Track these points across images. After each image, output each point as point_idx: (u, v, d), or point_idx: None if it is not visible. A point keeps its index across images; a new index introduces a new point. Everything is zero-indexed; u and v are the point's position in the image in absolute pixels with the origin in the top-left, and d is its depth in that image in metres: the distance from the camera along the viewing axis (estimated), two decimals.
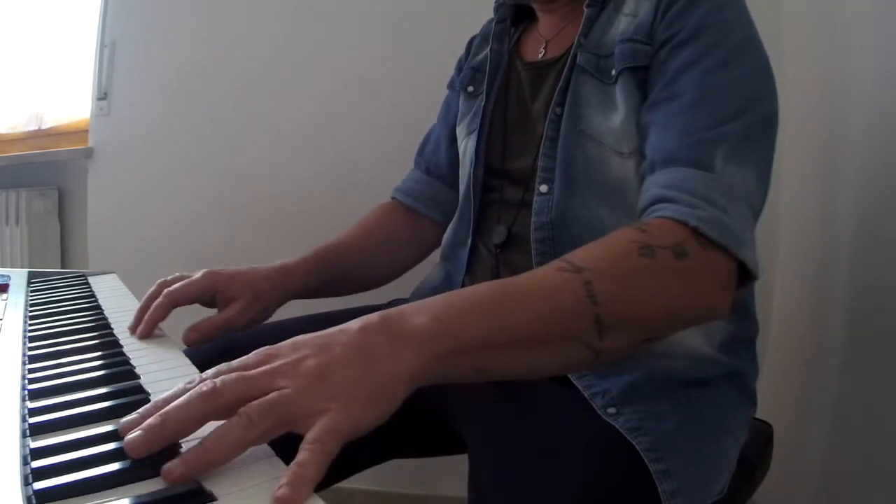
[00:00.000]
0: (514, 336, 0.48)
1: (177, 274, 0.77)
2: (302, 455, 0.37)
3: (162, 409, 0.40)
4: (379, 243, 0.95)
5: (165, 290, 0.71)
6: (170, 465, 0.37)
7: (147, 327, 0.68)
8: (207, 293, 0.75)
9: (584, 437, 0.61)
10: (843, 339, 1.00)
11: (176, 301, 0.71)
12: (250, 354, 0.43)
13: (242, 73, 1.57)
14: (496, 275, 0.81)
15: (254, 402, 0.39)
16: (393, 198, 1.01)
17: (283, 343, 0.43)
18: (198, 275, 0.75)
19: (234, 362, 0.43)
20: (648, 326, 0.54)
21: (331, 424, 0.38)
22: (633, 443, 0.59)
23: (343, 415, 0.39)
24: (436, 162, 0.99)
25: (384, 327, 0.44)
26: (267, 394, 0.40)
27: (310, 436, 0.38)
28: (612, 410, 0.63)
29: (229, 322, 0.74)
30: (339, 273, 0.89)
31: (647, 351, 0.65)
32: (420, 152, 1.03)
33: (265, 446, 0.42)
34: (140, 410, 0.41)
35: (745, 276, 0.58)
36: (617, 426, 0.61)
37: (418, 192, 0.99)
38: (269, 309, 0.79)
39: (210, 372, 0.42)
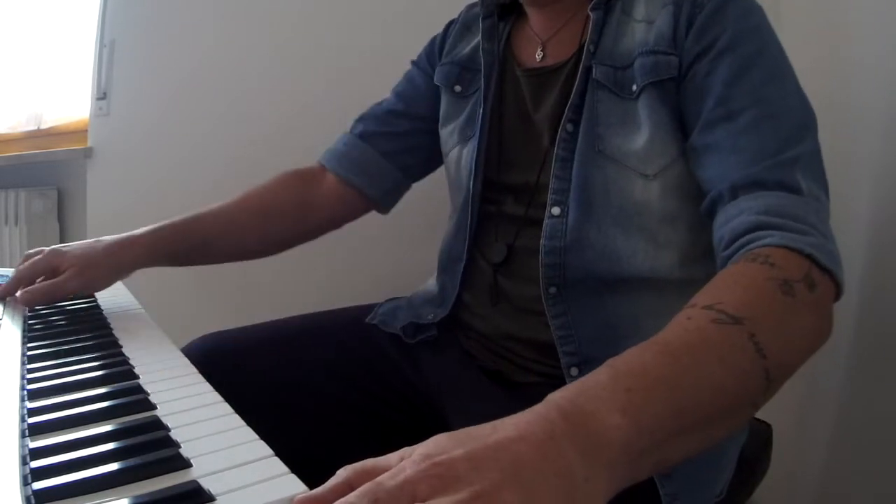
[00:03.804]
0: (698, 414, 0.41)
1: (43, 248, 0.81)
2: None
3: None
4: (254, 212, 0.91)
5: (17, 269, 0.78)
6: None
7: None
8: (46, 268, 0.78)
9: None
10: (844, 339, 1.00)
11: (20, 279, 0.77)
12: (411, 464, 0.33)
13: (242, 72, 1.56)
14: (494, 293, 0.78)
15: None
16: (320, 163, 0.96)
17: (456, 455, 0.33)
18: (43, 254, 0.79)
19: (395, 478, 0.33)
20: (796, 370, 0.49)
21: None
22: None
23: None
24: (376, 131, 0.93)
25: (575, 436, 0.35)
26: None
27: None
28: None
29: (55, 286, 0.76)
30: (194, 245, 0.87)
31: None
32: (360, 118, 0.97)
33: (263, 445, 0.42)
34: None
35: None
36: None
37: (342, 156, 0.93)
38: (102, 277, 0.80)
39: (367, 489, 0.33)
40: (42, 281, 0.77)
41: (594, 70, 0.70)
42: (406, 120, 0.93)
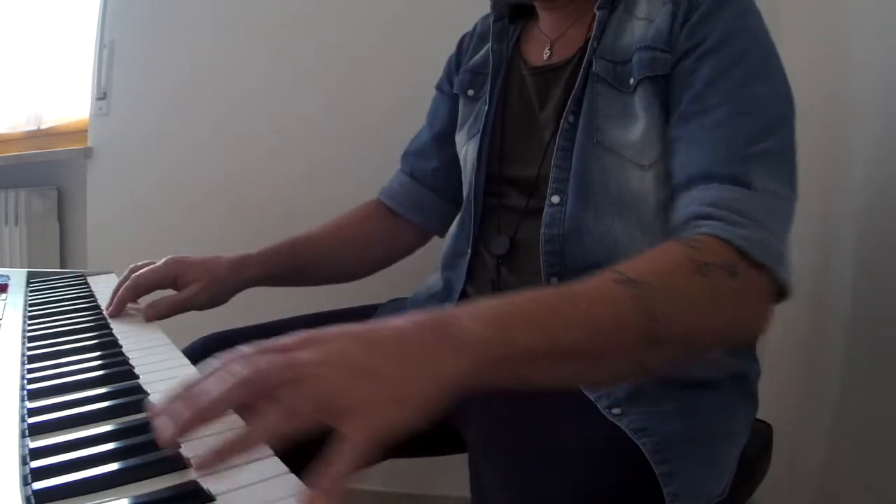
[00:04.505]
0: (567, 347, 0.46)
1: (146, 260, 0.84)
2: (342, 454, 0.36)
3: (195, 390, 0.39)
4: (349, 240, 0.97)
5: (132, 275, 0.80)
6: (203, 460, 0.37)
7: (117, 307, 0.76)
8: (169, 278, 0.82)
9: (588, 437, 0.61)
10: (844, 339, 1.00)
11: (139, 285, 0.79)
12: (292, 336, 0.41)
13: (242, 72, 1.57)
14: (497, 285, 0.79)
15: (297, 393, 0.37)
16: (378, 197, 1.02)
17: (329, 329, 0.41)
18: (161, 261, 0.82)
19: (275, 343, 0.40)
20: (696, 342, 0.53)
21: (372, 426, 0.37)
22: (639, 444, 0.59)
23: (385, 417, 0.37)
24: (421, 168, 0.99)
25: (436, 328, 0.42)
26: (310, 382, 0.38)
27: (351, 434, 0.36)
28: (616, 411, 0.63)
29: (184, 302, 0.81)
30: (300, 266, 0.92)
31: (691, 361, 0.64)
32: (406, 153, 1.02)
33: (263, 445, 0.42)
34: (172, 394, 0.40)
35: (780, 293, 0.57)
36: (622, 426, 0.61)
37: (400, 195, 0.99)
38: (225, 294, 0.85)
39: (248, 349, 0.40)
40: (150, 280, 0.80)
41: (595, 64, 0.72)
42: (440, 147, 0.97)
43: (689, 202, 0.61)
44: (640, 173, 0.69)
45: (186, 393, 0.39)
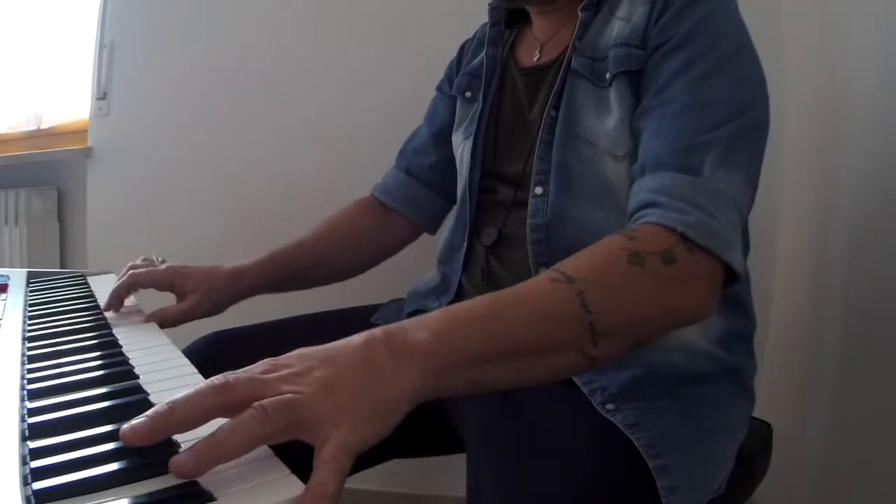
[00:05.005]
0: (510, 347, 0.48)
1: (145, 258, 0.87)
2: (321, 474, 0.37)
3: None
4: (344, 240, 0.98)
5: (130, 272, 0.82)
6: (179, 458, 0.37)
7: (112, 302, 0.78)
8: (166, 283, 0.84)
9: (583, 433, 0.62)
10: (842, 338, 1.00)
11: (135, 282, 0.81)
12: (257, 364, 0.43)
13: (242, 73, 1.57)
14: (487, 274, 0.82)
15: (268, 399, 0.39)
16: (371, 194, 1.03)
17: (290, 354, 0.44)
18: (162, 267, 0.85)
19: (241, 371, 0.42)
20: (640, 331, 0.55)
21: (343, 441, 0.38)
22: (632, 439, 0.60)
23: (353, 430, 0.39)
24: (418, 164, 1.00)
25: (387, 342, 0.44)
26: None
27: (325, 454, 0.38)
28: (610, 407, 0.63)
29: (187, 312, 0.83)
30: (297, 271, 0.93)
31: (644, 345, 0.65)
32: (402, 150, 1.04)
33: (264, 445, 0.42)
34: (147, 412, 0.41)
35: (731, 277, 0.59)
36: (615, 422, 0.61)
37: (395, 190, 1.01)
38: (223, 303, 0.87)
39: (218, 377, 0.42)
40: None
41: (574, 61, 0.75)
42: (438, 144, 0.99)
43: (639, 190, 0.62)
44: (615, 163, 0.70)
45: (161, 407, 0.40)
